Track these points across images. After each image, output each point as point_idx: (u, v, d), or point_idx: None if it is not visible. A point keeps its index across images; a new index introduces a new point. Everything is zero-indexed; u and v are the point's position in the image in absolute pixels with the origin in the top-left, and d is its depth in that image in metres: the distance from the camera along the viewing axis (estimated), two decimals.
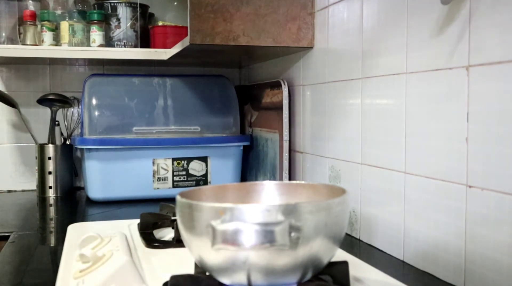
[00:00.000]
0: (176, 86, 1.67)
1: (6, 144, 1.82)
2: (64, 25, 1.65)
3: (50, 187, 1.68)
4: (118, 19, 1.69)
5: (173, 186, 1.61)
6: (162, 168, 1.60)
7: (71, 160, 1.73)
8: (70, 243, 0.98)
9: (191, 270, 0.72)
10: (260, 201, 0.82)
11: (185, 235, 0.66)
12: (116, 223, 1.14)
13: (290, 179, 1.43)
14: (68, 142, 1.75)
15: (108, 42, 1.69)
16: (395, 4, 0.95)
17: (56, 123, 1.73)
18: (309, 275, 0.65)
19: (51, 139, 1.72)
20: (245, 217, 0.60)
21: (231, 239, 0.60)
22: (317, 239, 0.62)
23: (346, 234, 1.12)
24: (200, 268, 0.69)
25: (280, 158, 1.43)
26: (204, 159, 1.64)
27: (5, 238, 1.15)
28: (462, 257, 0.79)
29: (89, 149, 1.55)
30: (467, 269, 0.78)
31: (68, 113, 1.79)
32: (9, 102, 1.73)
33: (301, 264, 0.63)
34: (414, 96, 0.89)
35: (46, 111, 1.78)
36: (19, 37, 1.67)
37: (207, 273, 0.68)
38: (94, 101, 1.59)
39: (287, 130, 1.41)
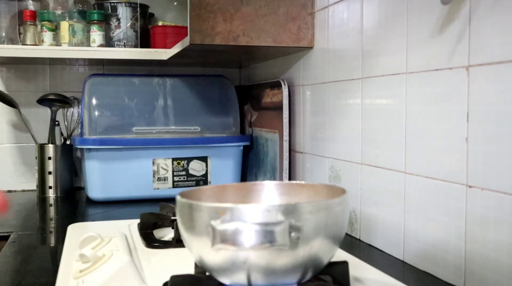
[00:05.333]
0: (176, 86, 1.67)
1: (6, 144, 1.82)
2: (64, 25, 1.65)
3: (50, 187, 1.68)
4: (118, 19, 1.69)
5: (173, 186, 1.61)
6: (162, 168, 1.60)
7: (71, 160, 1.73)
8: (70, 243, 0.98)
9: (191, 270, 0.72)
10: (260, 201, 0.82)
11: (185, 235, 0.66)
12: (116, 223, 1.14)
13: (290, 179, 1.43)
14: (68, 142, 1.75)
15: (108, 42, 1.69)
16: (395, 4, 0.95)
17: (56, 123, 1.73)
18: (309, 275, 0.65)
19: (51, 139, 1.72)
20: (245, 217, 0.60)
21: (231, 239, 0.60)
22: (317, 239, 0.62)
23: (346, 234, 1.12)
24: (200, 268, 0.69)
25: (280, 158, 1.43)
26: (204, 159, 1.64)
27: (5, 238, 1.15)
28: (462, 257, 0.79)
29: (89, 149, 1.55)
30: (467, 269, 0.78)
31: (68, 113, 1.79)
32: (9, 102, 1.73)
33: (301, 264, 0.63)
34: (414, 96, 0.89)
35: (46, 111, 1.78)
36: (19, 37, 1.67)
37: (207, 273, 0.68)
38: (94, 101, 1.59)
39: (287, 130, 1.41)
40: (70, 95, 1.77)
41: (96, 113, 1.58)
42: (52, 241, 1.15)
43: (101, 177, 1.56)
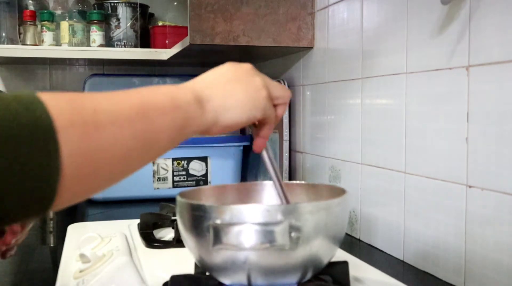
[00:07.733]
0: None
1: None
2: (64, 25, 1.64)
3: None
4: (118, 19, 1.69)
5: (173, 186, 1.61)
6: (162, 168, 1.60)
7: None
8: (70, 243, 0.98)
9: (191, 270, 0.72)
10: (260, 201, 0.82)
11: (185, 235, 0.66)
12: (116, 223, 1.14)
13: (290, 179, 1.43)
14: None
15: (108, 42, 1.69)
16: (395, 4, 0.95)
17: None
18: (309, 275, 0.65)
19: None
20: (245, 217, 0.60)
21: (231, 239, 0.60)
22: (317, 239, 0.62)
23: (346, 234, 1.11)
24: (200, 268, 0.69)
25: (280, 158, 1.43)
26: (204, 159, 1.64)
27: None
28: (462, 257, 0.79)
29: None
30: (467, 269, 0.78)
31: None
32: None
33: (301, 264, 0.63)
34: (414, 96, 0.89)
35: None
36: (19, 37, 1.66)
37: (207, 273, 0.68)
38: None
39: (287, 130, 1.41)
40: None
41: None
42: (52, 241, 1.15)
43: None
